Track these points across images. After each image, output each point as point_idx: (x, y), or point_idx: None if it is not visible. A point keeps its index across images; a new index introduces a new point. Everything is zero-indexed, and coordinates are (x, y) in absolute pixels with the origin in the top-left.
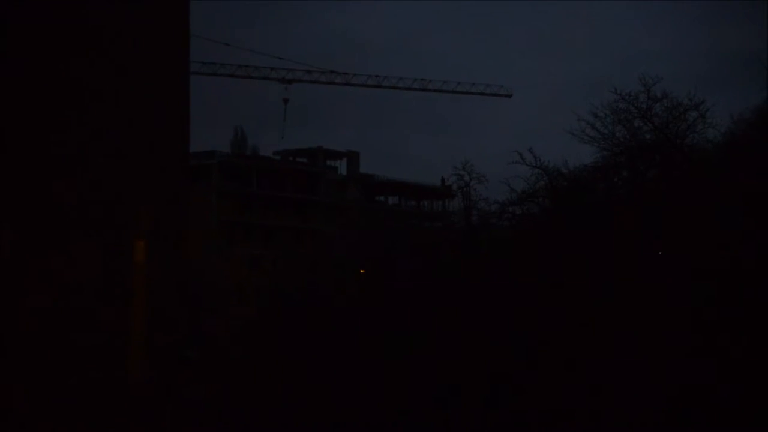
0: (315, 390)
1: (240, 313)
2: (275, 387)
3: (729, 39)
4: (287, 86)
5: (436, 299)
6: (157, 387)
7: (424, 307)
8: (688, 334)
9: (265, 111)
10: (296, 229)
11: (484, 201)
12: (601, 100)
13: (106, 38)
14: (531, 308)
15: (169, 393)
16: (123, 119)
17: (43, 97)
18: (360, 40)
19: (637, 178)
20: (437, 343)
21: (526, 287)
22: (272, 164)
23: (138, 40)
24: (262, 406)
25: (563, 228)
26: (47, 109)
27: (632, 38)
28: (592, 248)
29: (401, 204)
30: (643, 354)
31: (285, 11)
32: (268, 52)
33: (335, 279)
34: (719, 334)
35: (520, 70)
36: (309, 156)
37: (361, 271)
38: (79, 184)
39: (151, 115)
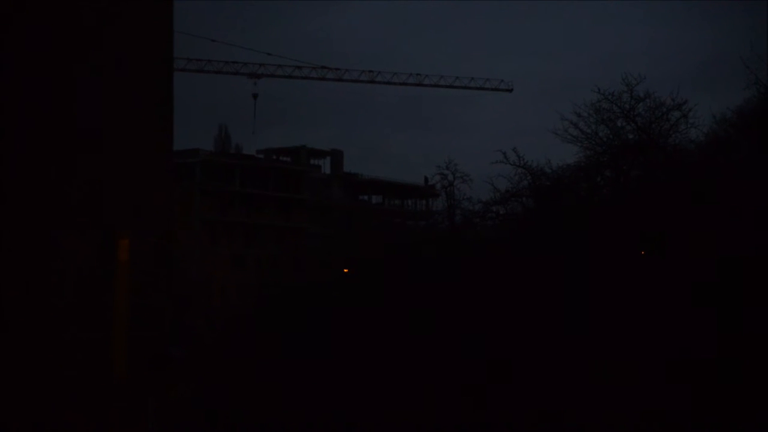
0: (299, 388)
1: (224, 311)
2: (259, 385)
3: (710, 40)
4: (256, 81)
5: (417, 299)
6: (141, 385)
7: (404, 307)
8: (671, 336)
9: (252, 108)
10: (280, 228)
11: (467, 200)
12: (584, 99)
13: (86, 33)
14: (513, 308)
15: (153, 391)
16: (105, 117)
17: (22, 94)
18: (348, 42)
19: (620, 178)
20: (417, 345)
21: (508, 286)
22: (255, 163)
23: (119, 34)
24: (246, 404)
25: (546, 227)
26: (27, 106)
27: (613, 38)
28: (575, 248)
29: (385, 203)
30: (627, 356)
31: (270, 13)
32: (255, 49)
33: (318, 278)
34: (703, 335)
35: (503, 71)
36: (292, 154)
37: (345, 270)
38: (60, 181)
39: (133, 113)
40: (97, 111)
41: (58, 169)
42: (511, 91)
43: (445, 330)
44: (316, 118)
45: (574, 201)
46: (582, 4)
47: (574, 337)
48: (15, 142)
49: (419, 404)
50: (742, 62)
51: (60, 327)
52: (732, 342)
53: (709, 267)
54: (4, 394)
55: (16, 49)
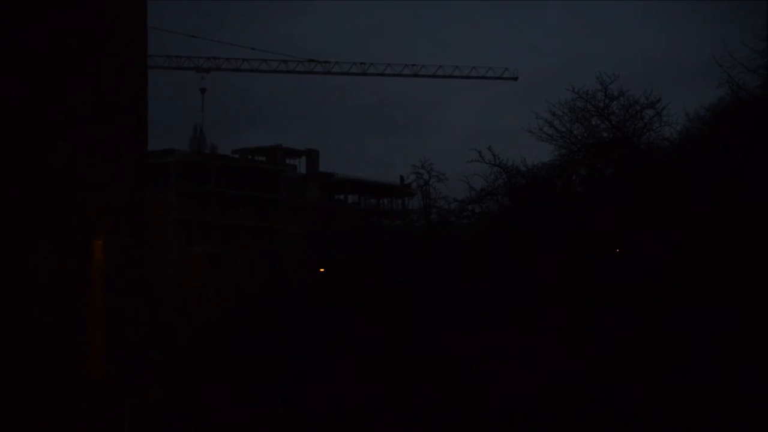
0: (276, 387)
1: (200, 311)
2: (235, 385)
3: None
4: (204, 76)
5: (392, 298)
6: (117, 386)
7: (380, 306)
8: (643, 332)
9: (232, 107)
10: (256, 228)
11: (443, 199)
12: (559, 98)
13: (57, 29)
14: (487, 307)
15: (129, 393)
16: (77, 115)
17: None
18: (333, 40)
19: (595, 176)
20: (393, 341)
21: (485, 283)
22: (231, 162)
23: (91, 30)
24: (222, 404)
25: (522, 225)
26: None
27: (587, 38)
28: (551, 245)
29: (361, 202)
30: (599, 352)
31: (251, 14)
32: (238, 44)
33: (294, 278)
34: (673, 330)
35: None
36: (268, 154)
37: (321, 270)
38: (32, 182)
39: (106, 111)
40: (71, 112)
41: (32, 171)
42: (516, 79)
43: (420, 327)
44: (292, 118)
45: (549, 199)
46: (559, 3)
47: (550, 332)
48: None
49: (396, 403)
50: (715, 61)
51: (36, 327)
52: (706, 340)
53: (682, 263)
54: None
55: None
